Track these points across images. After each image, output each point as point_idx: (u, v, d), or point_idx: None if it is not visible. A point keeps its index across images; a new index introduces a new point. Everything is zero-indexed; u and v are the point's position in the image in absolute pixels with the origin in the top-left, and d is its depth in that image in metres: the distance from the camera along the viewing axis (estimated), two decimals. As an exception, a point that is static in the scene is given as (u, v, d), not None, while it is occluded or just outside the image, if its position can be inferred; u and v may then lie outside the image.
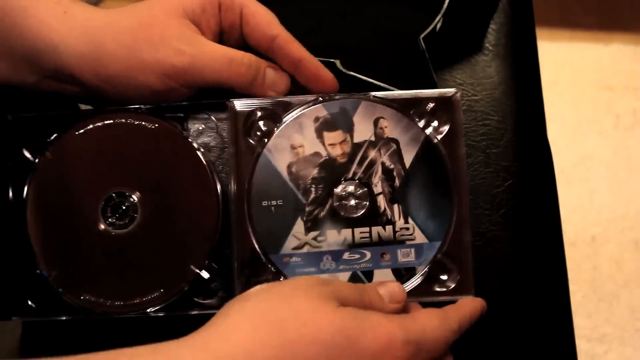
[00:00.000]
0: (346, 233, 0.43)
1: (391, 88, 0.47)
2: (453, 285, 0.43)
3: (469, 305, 0.42)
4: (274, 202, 0.43)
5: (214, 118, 0.45)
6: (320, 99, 0.44)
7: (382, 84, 0.47)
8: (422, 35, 0.49)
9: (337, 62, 0.47)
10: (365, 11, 0.53)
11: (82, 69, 0.41)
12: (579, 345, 0.48)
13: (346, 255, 0.43)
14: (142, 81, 0.41)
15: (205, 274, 0.43)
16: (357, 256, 0.43)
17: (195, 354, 0.34)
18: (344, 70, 0.47)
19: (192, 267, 0.42)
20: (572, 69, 1.30)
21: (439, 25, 0.49)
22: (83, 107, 0.47)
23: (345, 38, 0.52)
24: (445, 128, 0.44)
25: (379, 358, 0.35)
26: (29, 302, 0.43)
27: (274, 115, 0.44)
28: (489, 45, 0.53)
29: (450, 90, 0.44)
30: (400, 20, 0.52)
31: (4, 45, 0.41)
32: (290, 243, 0.43)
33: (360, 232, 0.43)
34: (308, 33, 0.45)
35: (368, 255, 0.43)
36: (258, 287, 0.38)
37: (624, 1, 1.35)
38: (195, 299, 0.43)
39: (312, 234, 0.43)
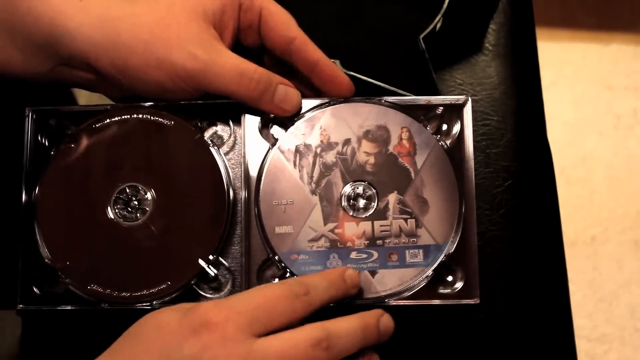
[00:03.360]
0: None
1: (392, 88, 0.47)
2: (459, 288, 0.43)
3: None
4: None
5: (229, 117, 0.45)
6: (333, 101, 0.45)
7: (382, 84, 0.47)
8: (422, 35, 0.49)
9: (337, 62, 0.47)
10: (365, 11, 0.53)
11: (97, 56, 0.41)
12: (579, 345, 0.48)
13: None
14: (154, 78, 0.41)
15: (212, 269, 0.43)
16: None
17: None
18: (344, 70, 0.47)
19: (199, 261, 0.43)
20: (572, 69, 1.30)
21: (438, 25, 0.49)
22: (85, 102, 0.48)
23: (345, 38, 0.52)
24: (455, 133, 0.45)
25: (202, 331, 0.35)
26: (36, 291, 0.43)
27: (288, 116, 0.45)
28: (489, 45, 0.53)
29: (461, 97, 0.45)
30: (400, 20, 0.52)
31: (19, 33, 0.41)
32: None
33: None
34: (308, 33, 0.45)
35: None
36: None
37: (624, 1, 1.35)
38: (202, 293, 0.43)
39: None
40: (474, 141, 0.50)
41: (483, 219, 0.48)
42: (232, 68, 0.42)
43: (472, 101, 0.50)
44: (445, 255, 0.43)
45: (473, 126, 0.49)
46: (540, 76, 0.53)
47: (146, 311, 0.43)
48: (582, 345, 1.14)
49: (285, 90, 0.44)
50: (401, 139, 0.45)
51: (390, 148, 0.44)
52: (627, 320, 1.17)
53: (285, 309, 0.37)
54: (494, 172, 0.49)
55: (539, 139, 0.51)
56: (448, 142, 0.45)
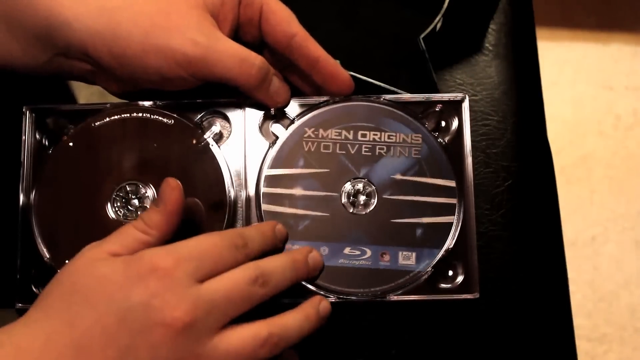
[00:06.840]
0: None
1: (392, 88, 0.47)
2: (459, 282, 0.43)
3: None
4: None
5: (229, 116, 0.45)
6: (333, 100, 0.45)
7: (382, 84, 0.47)
8: (422, 35, 0.49)
9: (338, 62, 0.47)
10: (366, 11, 0.53)
11: (95, 45, 0.41)
12: (579, 345, 0.48)
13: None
14: (153, 65, 0.41)
15: None
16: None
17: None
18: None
19: None
20: (572, 69, 1.30)
21: (439, 25, 0.49)
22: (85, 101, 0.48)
23: (345, 38, 0.52)
24: (454, 130, 0.45)
25: (143, 278, 0.35)
26: (34, 290, 0.43)
27: (287, 116, 0.45)
28: (489, 45, 0.53)
29: (458, 95, 0.45)
30: (400, 20, 0.52)
31: (18, 24, 0.41)
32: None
33: None
34: (308, 33, 0.45)
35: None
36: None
37: (624, 1, 1.35)
38: None
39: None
40: (474, 141, 0.50)
41: (483, 219, 0.48)
42: (234, 53, 0.42)
43: (472, 101, 0.50)
44: (446, 251, 0.44)
45: (473, 126, 0.49)
46: (540, 76, 0.53)
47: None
48: (582, 345, 1.14)
49: (278, 82, 0.44)
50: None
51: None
52: (626, 320, 1.17)
53: (228, 258, 0.38)
54: (494, 172, 0.49)
55: (539, 139, 0.51)
56: (446, 139, 0.45)
